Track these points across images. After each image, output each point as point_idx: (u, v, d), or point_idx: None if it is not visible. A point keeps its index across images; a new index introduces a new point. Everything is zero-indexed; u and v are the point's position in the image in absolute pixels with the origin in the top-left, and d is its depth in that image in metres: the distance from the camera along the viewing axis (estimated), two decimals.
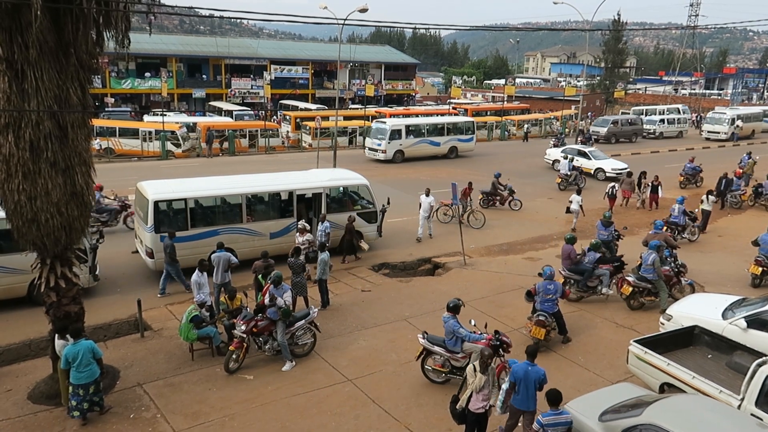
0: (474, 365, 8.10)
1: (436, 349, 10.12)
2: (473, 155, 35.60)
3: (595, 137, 41.28)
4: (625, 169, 27.68)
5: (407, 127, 33.88)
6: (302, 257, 13.42)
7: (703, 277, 15.41)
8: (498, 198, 22.87)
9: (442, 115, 48.30)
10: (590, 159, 29.09)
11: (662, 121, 47.20)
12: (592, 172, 28.62)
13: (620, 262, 14.12)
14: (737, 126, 45.11)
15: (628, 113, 52.15)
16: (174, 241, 14.21)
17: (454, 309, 10.02)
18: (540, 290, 11.56)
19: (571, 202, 20.02)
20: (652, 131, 45.69)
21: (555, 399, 7.42)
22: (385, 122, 33.96)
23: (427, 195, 18.44)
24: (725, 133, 44.20)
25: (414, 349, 11.49)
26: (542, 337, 11.29)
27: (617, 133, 42.93)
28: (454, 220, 19.42)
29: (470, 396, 8.00)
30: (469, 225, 19.90)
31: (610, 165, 28.75)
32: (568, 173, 26.57)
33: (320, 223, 15.57)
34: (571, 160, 27.75)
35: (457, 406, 8.18)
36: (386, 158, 32.55)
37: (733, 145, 41.69)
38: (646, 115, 49.38)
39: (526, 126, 46.52)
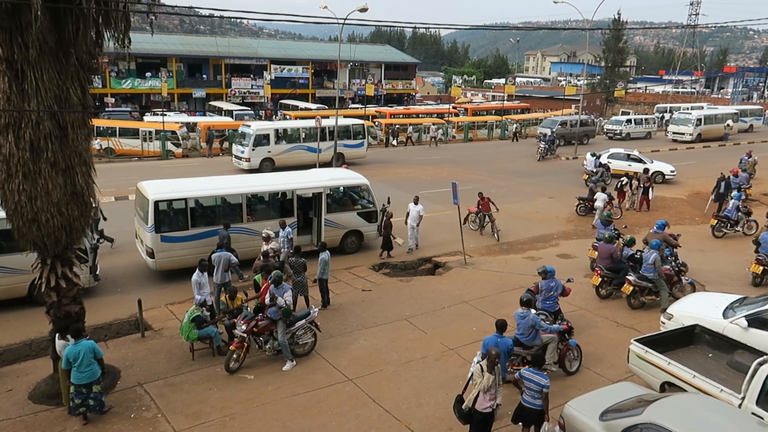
0: (481, 365, 8.12)
1: (517, 350, 10.06)
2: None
3: (541, 138, 39.31)
4: (674, 171, 28.25)
5: (277, 131, 30.22)
6: (295, 258, 13.34)
7: (703, 276, 15.40)
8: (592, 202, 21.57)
9: (442, 114, 48.38)
10: (646, 163, 28.42)
11: (629, 121, 45.33)
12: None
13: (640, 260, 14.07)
14: (728, 125, 44.12)
15: (641, 112, 51.54)
16: (174, 241, 14.25)
17: (528, 303, 10.22)
18: (542, 289, 11.56)
19: (596, 199, 20.42)
20: (618, 132, 43.59)
21: (538, 362, 8.51)
22: (249, 126, 30.20)
23: (416, 203, 17.37)
24: (690, 134, 42.06)
25: (414, 348, 11.54)
26: None
27: (566, 135, 40.42)
28: (486, 228, 19.19)
29: (477, 396, 8.02)
30: (497, 239, 18.71)
31: (668, 168, 28.56)
32: (594, 170, 26.74)
33: (282, 228, 14.77)
34: (598, 157, 27.87)
35: (464, 406, 8.18)
36: (251, 167, 28.47)
37: (733, 144, 41.38)
38: (670, 113, 48.52)
39: (515, 126, 45.30)
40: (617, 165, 27.79)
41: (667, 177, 27.91)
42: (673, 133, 43.35)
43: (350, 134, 31.81)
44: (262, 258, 13.50)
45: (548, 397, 8.11)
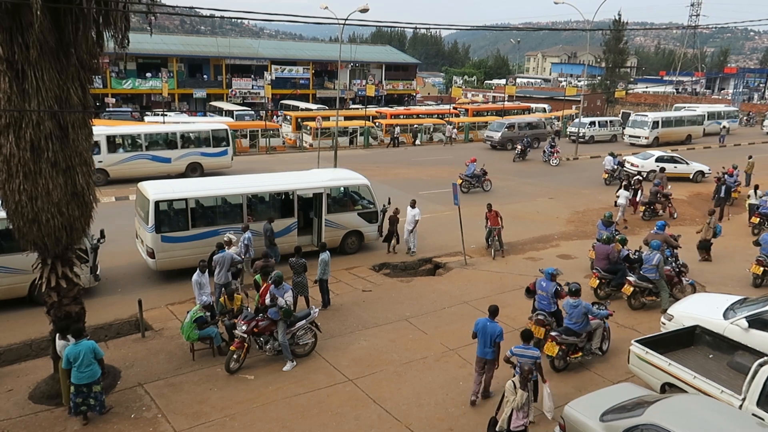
0: (513, 382, 7.99)
1: (571, 339, 10.55)
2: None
3: (490, 143, 38.90)
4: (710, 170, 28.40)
5: (111, 137, 25.49)
6: (302, 259, 13.33)
7: (704, 277, 15.40)
8: (661, 204, 21.82)
9: (442, 115, 48.32)
10: (688, 164, 28.72)
11: (593, 123, 43.24)
12: (691, 176, 28.37)
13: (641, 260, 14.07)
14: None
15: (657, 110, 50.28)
16: (174, 241, 14.25)
17: (578, 293, 10.68)
18: (538, 288, 11.60)
19: (618, 196, 21.45)
20: (581, 135, 40.49)
21: (526, 336, 9.06)
22: None
23: (413, 207, 17.07)
24: (646, 138, 39.39)
25: (415, 349, 11.54)
26: (542, 336, 11.27)
27: (513, 138, 38.10)
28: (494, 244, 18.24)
29: (510, 414, 7.89)
30: (493, 256, 17.30)
31: (705, 168, 28.75)
32: (614, 168, 27.26)
33: (243, 232, 14.42)
34: (616, 156, 28.21)
35: (497, 428, 8.07)
36: None
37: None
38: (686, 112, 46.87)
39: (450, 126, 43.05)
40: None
41: (705, 175, 28.38)
42: (630, 136, 40.97)
43: (210, 141, 27.41)
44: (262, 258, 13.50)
45: (541, 366, 8.81)
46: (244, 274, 14.11)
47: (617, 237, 14.68)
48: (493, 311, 9.64)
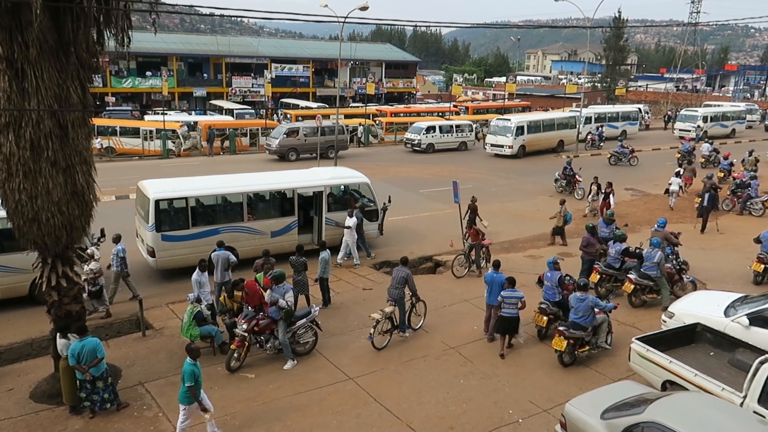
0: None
1: (578, 334, 10.65)
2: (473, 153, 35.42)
3: (268, 150, 32.86)
4: None
5: None
6: (303, 258, 13.28)
7: (705, 275, 15.38)
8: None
9: (442, 113, 48.25)
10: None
11: (431, 129, 36.35)
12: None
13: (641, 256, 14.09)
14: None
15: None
16: (174, 240, 14.24)
17: (586, 287, 10.91)
18: (545, 279, 11.91)
19: (670, 184, 22.77)
20: (416, 143, 35.70)
21: (511, 282, 11.16)
22: None
23: (351, 216, 15.88)
24: (510, 147, 33.36)
25: (415, 347, 11.52)
26: (544, 324, 11.55)
27: (298, 147, 32.27)
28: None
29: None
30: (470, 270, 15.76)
31: None
32: (708, 154, 29.97)
33: (115, 243, 13.33)
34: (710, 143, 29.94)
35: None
36: None
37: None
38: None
39: (475, 126, 40.41)
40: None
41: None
42: (491, 145, 34.27)
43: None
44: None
45: (525, 305, 11.02)
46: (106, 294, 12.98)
47: (617, 232, 14.68)
48: (497, 265, 11.87)
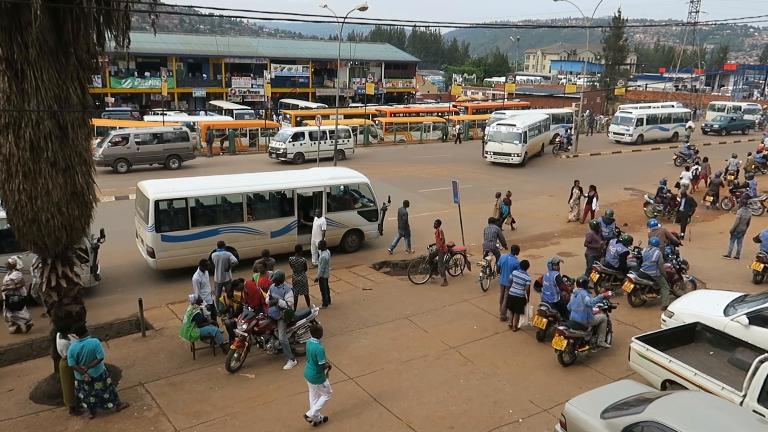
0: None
1: (578, 333, 10.70)
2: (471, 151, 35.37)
3: (98, 161, 24.82)
4: None
5: None
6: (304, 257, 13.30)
7: (704, 274, 15.39)
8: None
9: (442, 113, 48.25)
10: None
11: (299, 136, 32.45)
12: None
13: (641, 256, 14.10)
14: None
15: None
16: (174, 240, 14.22)
17: (585, 284, 11.04)
18: (544, 279, 11.90)
19: (681, 177, 23.40)
20: (282, 152, 31.78)
21: (524, 265, 12.06)
22: None
23: (319, 216, 15.69)
24: (518, 155, 30.42)
25: (415, 347, 11.53)
26: (543, 326, 11.50)
27: (129, 157, 28.05)
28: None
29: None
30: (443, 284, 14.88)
31: None
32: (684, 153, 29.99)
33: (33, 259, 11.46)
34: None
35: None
36: None
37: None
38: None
39: (458, 126, 41.60)
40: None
41: None
42: (495, 153, 31.18)
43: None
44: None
45: (530, 289, 11.97)
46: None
47: (624, 236, 14.72)
48: (515, 250, 12.96)
